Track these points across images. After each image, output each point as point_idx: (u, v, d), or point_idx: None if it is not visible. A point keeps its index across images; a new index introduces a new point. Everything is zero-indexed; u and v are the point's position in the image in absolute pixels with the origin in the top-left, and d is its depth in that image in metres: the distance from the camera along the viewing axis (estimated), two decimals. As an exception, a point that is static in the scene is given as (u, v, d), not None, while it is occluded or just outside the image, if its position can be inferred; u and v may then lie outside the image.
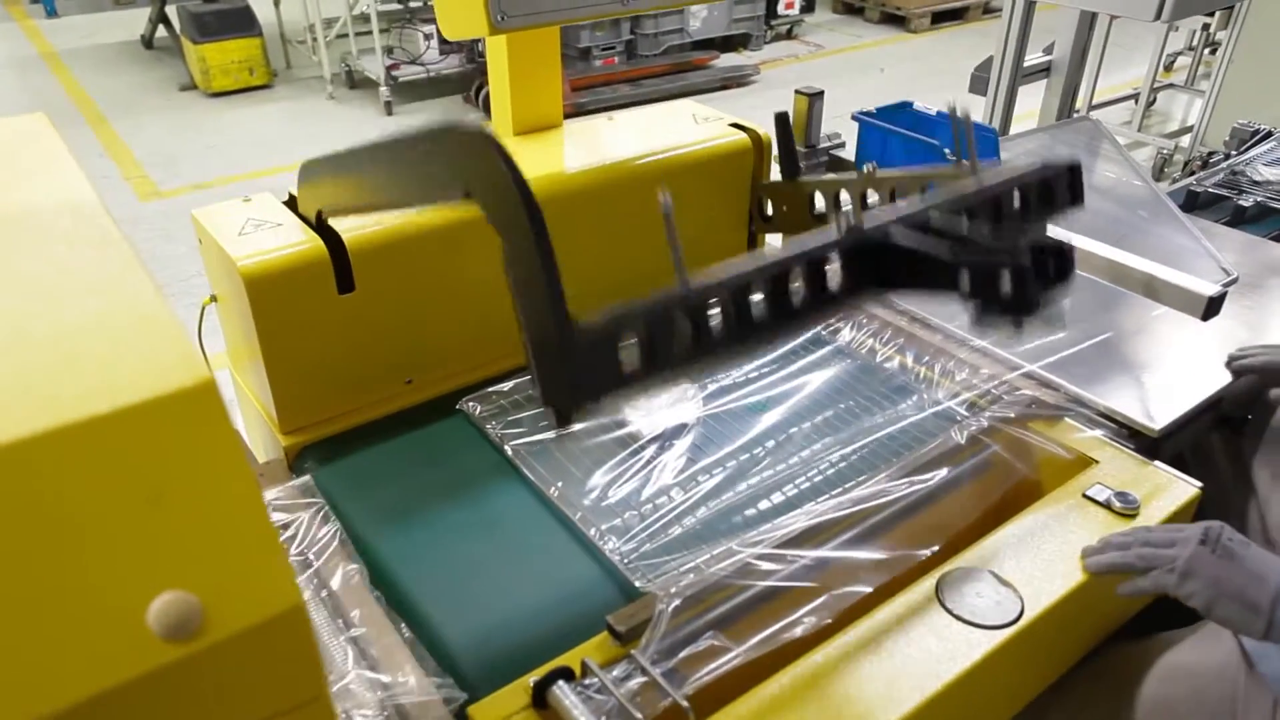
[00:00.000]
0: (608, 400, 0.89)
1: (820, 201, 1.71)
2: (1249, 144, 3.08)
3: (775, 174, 1.83)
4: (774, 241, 2.00)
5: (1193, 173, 3.17)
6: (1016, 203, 1.12)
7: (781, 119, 1.65)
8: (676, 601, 1.09)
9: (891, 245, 1.01)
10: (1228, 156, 3.00)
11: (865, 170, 1.54)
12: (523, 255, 0.82)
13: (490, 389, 1.55)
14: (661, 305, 0.89)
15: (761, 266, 0.95)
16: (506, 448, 1.43)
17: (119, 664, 0.53)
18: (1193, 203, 2.46)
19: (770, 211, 1.87)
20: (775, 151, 1.76)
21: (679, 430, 1.44)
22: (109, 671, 0.53)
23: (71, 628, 0.52)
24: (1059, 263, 0.95)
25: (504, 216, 0.83)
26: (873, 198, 1.48)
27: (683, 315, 0.91)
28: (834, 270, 1.00)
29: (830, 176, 1.69)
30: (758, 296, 0.94)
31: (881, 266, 1.02)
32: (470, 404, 1.53)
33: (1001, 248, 0.93)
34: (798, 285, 0.98)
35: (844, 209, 1.01)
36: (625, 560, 1.21)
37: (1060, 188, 1.16)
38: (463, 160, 0.87)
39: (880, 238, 1.01)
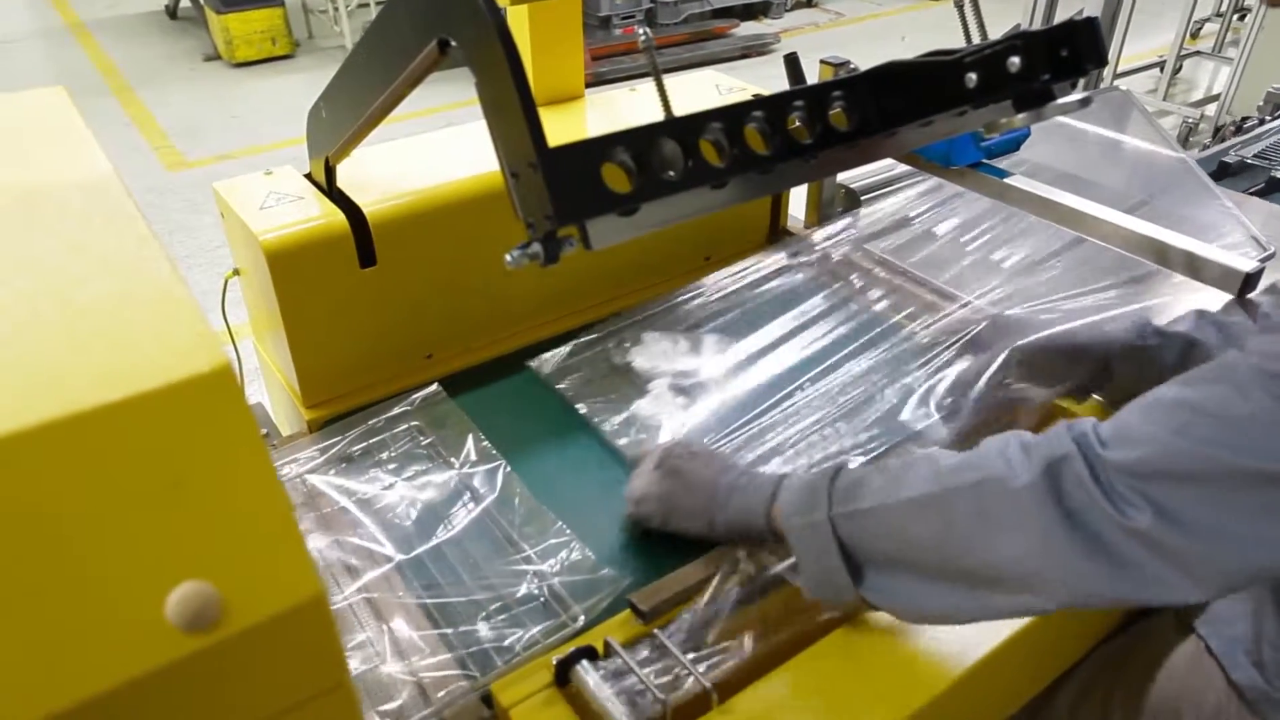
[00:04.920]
0: (595, 224, 0.91)
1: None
2: (1286, 109, 3.01)
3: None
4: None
5: (1224, 139, 3.11)
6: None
7: (791, 59, 1.65)
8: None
9: (895, 71, 1.03)
10: (1262, 122, 2.94)
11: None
12: (498, 80, 0.84)
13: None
14: (646, 129, 0.90)
15: (759, 100, 0.97)
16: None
17: (137, 657, 0.52)
18: (1224, 171, 2.41)
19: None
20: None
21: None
22: (127, 664, 0.52)
23: (89, 620, 0.52)
24: (1071, 46, 0.94)
25: (477, 46, 0.86)
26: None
27: (670, 140, 0.91)
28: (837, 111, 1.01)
29: None
30: (754, 127, 0.95)
31: (887, 100, 1.03)
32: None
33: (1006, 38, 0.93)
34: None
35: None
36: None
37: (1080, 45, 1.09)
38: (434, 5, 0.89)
39: (884, 68, 1.03)
